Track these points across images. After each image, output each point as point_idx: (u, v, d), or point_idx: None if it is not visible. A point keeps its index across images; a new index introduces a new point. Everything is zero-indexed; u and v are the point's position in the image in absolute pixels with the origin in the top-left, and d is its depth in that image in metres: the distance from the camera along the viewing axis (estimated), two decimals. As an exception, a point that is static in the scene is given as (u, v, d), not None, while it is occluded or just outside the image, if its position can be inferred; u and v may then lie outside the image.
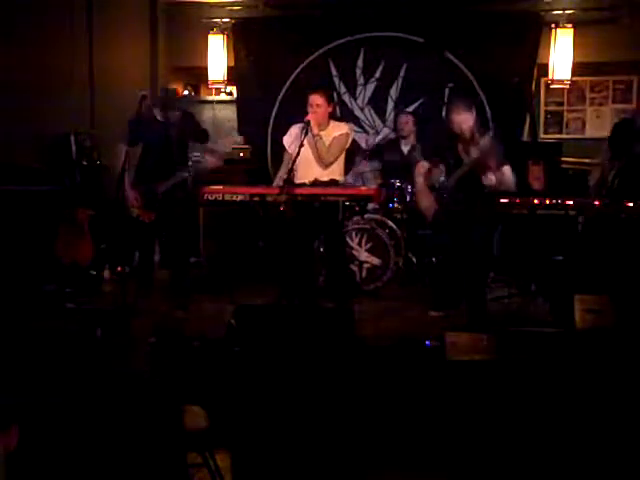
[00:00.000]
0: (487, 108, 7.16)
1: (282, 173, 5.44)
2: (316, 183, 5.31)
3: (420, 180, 5.44)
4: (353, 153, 6.39)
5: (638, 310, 4.55)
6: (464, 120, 5.10)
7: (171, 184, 5.26)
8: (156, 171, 5.29)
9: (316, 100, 5.28)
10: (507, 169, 5.09)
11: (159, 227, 5.42)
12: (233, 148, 7.05)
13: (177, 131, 5.36)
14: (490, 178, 4.97)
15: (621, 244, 4.91)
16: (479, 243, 5.19)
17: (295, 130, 5.42)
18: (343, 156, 5.51)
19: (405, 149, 6.87)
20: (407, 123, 6.85)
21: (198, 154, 5.36)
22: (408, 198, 6.49)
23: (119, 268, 6.34)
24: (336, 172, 5.40)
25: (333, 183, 5.35)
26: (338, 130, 5.37)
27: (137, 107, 5.17)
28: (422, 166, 5.43)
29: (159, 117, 5.40)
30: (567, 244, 5.51)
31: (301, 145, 5.17)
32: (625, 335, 4.11)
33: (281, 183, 5.23)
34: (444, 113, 6.86)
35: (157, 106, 5.43)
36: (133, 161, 5.37)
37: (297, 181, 5.35)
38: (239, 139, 5.69)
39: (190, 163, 5.32)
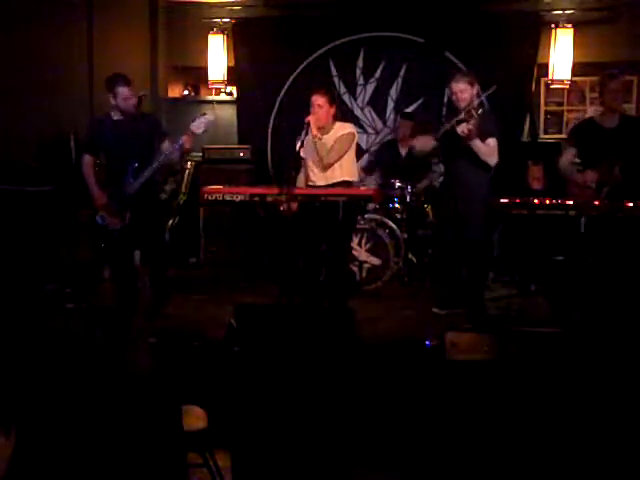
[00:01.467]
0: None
1: (300, 180, 5.46)
2: (327, 185, 5.29)
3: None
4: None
5: (637, 310, 4.55)
6: (462, 89, 5.08)
7: (138, 184, 5.06)
8: (124, 172, 5.09)
9: (317, 100, 5.23)
10: (492, 141, 5.07)
11: (133, 232, 5.19)
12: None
13: (139, 128, 5.12)
14: (462, 129, 4.93)
15: (621, 244, 4.91)
16: (479, 241, 5.20)
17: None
18: (353, 155, 5.45)
19: (403, 151, 6.88)
20: (405, 129, 6.84)
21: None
22: (408, 198, 6.50)
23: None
24: (346, 173, 5.33)
25: (345, 184, 5.32)
26: (342, 130, 5.31)
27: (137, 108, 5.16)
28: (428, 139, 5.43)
29: (115, 117, 5.14)
30: (567, 244, 5.51)
31: (301, 146, 5.16)
32: (625, 335, 4.11)
33: (302, 186, 5.31)
34: (444, 113, 6.86)
35: (114, 108, 5.14)
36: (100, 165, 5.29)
37: (310, 183, 5.37)
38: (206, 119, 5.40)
39: (161, 157, 5.09)
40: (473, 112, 4.95)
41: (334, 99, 5.41)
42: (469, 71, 5.45)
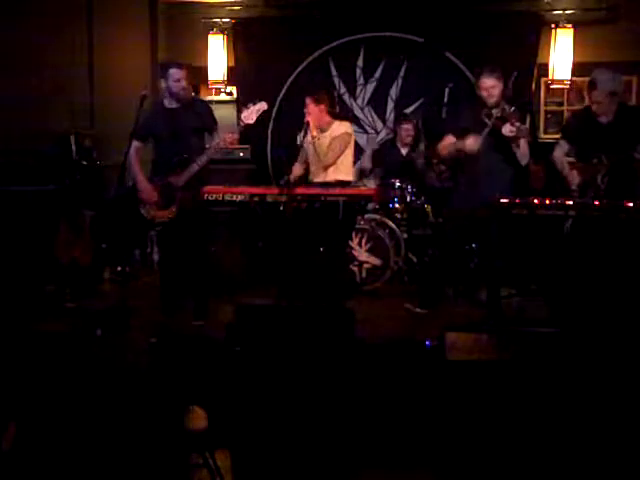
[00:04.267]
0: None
1: (296, 168, 5.49)
2: (324, 184, 5.33)
3: (446, 152, 5.33)
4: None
5: (637, 310, 4.55)
6: (493, 85, 5.02)
7: (189, 175, 4.94)
8: (171, 163, 5.00)
9: (307, 104, 5.39)
10: (524, 141, 5.00)
11: (177, 225, 5.08)
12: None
13: (191, 118, 5.03)
14: (510, 129, 4.84)
15: (621, 244, 4.91)
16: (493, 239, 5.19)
17: None
18: (350, 155, 5.49)
19: (403, 151, 6.87)
20: (408, 131, 6.83)
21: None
22: (408, 198, 6.50)
23: (119, 268, 6.35)
24: (343, 172, 5.40)
25: (341, 184, 5.35)
26: (339, 129, 5.38)
27: (138, 107, 5.14)
28: (448, 140, 5.25)
29: (168, 105, 5.08)
30: (566, 244, 5.51)
31: (301, 145, 5.21)
32: (624, 335, 4.11)
33: (293, 177, 5.38)
34: (444, 113, 6.85)
35: (166, 94, 5.08)
36: (146, 157, 5.19)
37: (311, 179, 5.44)
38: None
39: (210, 151, 4.96)
40: (506, 108, 4.90)
41: (323, 99, 5.50)
42: (496, 66, 5.18)
